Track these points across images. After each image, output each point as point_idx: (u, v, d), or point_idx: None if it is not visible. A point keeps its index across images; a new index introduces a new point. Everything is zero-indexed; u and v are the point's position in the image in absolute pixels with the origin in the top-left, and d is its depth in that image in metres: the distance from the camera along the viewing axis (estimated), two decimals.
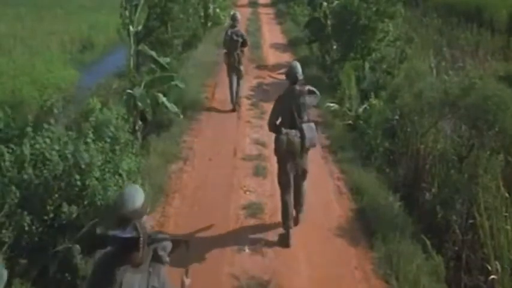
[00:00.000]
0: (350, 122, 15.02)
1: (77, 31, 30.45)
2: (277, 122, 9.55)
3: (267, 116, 13.24)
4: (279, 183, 9.64)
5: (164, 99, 13.61)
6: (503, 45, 26.12)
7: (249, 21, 32.22)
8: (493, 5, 32.24)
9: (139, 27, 13.63)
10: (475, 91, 11.06)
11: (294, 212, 9.67)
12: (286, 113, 9.39)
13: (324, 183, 11.95)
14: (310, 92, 9.53)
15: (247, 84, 19.85)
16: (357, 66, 17.24)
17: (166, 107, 13.89)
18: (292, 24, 30.98)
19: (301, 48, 25.13)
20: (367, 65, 17.43)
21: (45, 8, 38.17)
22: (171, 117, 14.87)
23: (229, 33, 16.49)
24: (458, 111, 11.57)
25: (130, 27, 13.36)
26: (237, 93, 16.96)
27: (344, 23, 17.88)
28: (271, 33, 31.28)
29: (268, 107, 15.70)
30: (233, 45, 16.41)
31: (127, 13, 13.35)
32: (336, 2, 19.96)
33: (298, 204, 9.75)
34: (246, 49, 17.14)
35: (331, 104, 15.86)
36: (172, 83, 14.15)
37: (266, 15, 37.75)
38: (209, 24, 29.42)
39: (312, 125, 9.46)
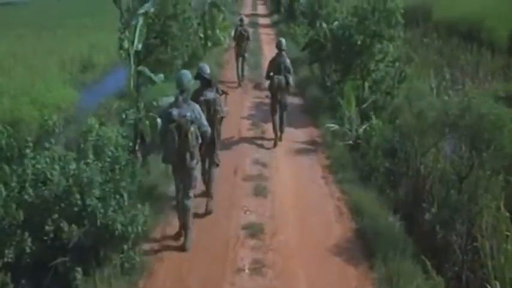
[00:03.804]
0: (350, 142, 15.03)
1: (77, 51, 30.55)
2: (270, 74, 15.61)
3: (267, 136, 14.06)
4: (271, 109, 15.96)
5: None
6: (504, 66, 26.16)
7: (250, 42, 32.35)
8: (493, 26, 32.31)
9: (139, 46, 13.65)
10: (471, 110, 11.07)
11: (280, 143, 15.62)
12: (276, 67, 15.57)
13: (324, 203, 11.95)
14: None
15: (247, 104, 19.97)
16: (357, 87, 17.27)
17: None
18: (293, 45, 30.99)
19: (301, 68, 25.16)
20: (367, 86, 17.45)
21: (46, 28, 38.42)
22: None
23: (238, 29, 23.91)
24: (458, 131, 11.56)
25: (130, 48, 13.40)
26: (242, 72, 24.10)
27: (343, 44, 17.93)
28: (272, 53, 31.23)
29: (268, 126, 15.94)
30: (241, 38, 23.67)
31: (126, 33, 13.39)
32: (336, 23, 19.99)
33: (282, 125, 15.88)
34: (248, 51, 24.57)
35: (332, 125, 15.88)
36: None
37: (267, 35, 37.83)
38: (209, 44, 29.48)
39: (290, 75, 15.59)
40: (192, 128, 9.50)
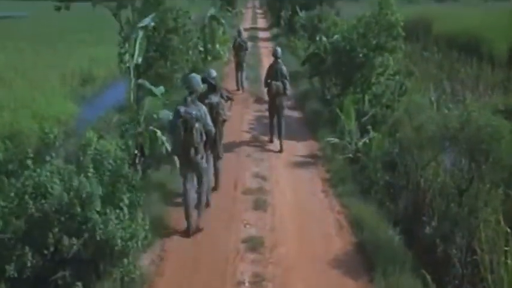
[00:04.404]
0: (350, 155, 15.02)
1: (77, 64, 30.52)
2: (268, 80, 16.57)
3: (267, 149, 13.80)
4: (269, 112, 17.21)
5: (164, 138, 13.62)
6: (503, 79, 26.21)
7: (249, 55, 32.44)
8: (493, 39, 32.38)
9: (139, 60, 13.68)
10: (470, 123, 11.10)
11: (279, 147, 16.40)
12: (273, 74, 16.53)
13: (324, 216, 11.95)
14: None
15: (247, 117, 20.00)
16: (357, 100, 17.31)
17: (166, 147, 13.86)
18: (293, 58, 31.04)
19: (301, 82, 25.23)
20: (367, 99, 17.49)
21: (46, 42, 38.46)
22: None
23: (237, 40, 25.88)
24: (458, 145, 11.58)
25: (130, 61, 13.43)
26: (241, 80, 25.62)
27: (344, 57, 18.00)
28: None
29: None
30: (239, 48, 25.57)
31: (126, 46, 13.43)
32: (336, 36, 20.06)
33: (280, 128, 16.56)
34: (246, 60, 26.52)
35: (331, 138, 15.89)
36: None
37: (266, 49, 37.87)
38: (209, 58, 29.55)
39: (286, 80, 16.51)
40: (196, 125, 10.67)
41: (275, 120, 16.87)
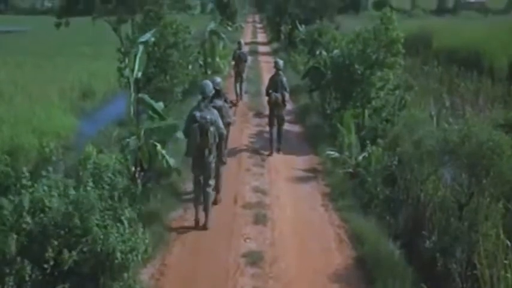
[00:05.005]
0: (350, 169, 15.03)
1: (77, 79, 30.57)
2: (270, 91, 17.18)
3: (267, 164, 14.13)
4: (268, 122, 17.76)
5: (163, 151, 13.64)
6: (504, 93, 26.26)
7: (249, 69, 32.51)
8: (493, 53, 32.46)
9: (139, 74, 13.72)
10: (471, 138, 11.11)
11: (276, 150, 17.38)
12: (274, 85, 17.19)
13: (324, 231, 11.94)
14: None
15: (247, 132, 20.02)
16: (357, 114, 17.35)
17: (166, 161, 13.88)
18: (293, 73, 31.09)
19: (301, 96, 25.27)
20: (366, 113, 17.52)
21: (45, 56, 38.57)
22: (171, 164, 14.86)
23: (237, 52, 26.52)
24: (458, 159, 11.59)
25: (130, 75, 13.46)
26: (241, 90, 26.16)
27: (344, 71, 18.05)
28: None
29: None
30: (240, 60, 26.12)
31: (126, 61, 13.48)
32: (336, 51, 20.12)
33: (279, 137, 17.57)
34: (245, 78, 27.32)
35: (331, 152, 15.90)
36: (174, 134, 14.25)
37: (266, 63, 37.85)
38: (209, 72, 29.64)
39: (286, 92, 17.25)
40: (211, 129, 11.55)
41: (275, 131, 17.53)
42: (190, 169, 12.26)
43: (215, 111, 11.96)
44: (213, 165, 12.03)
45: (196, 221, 11.93)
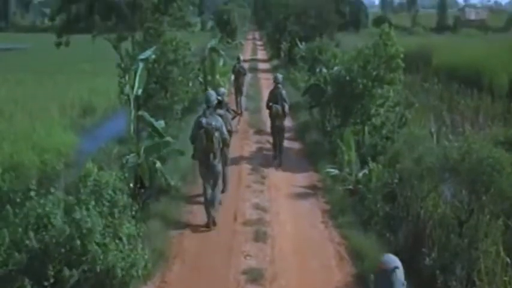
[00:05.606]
0: (350, 186, 15.03)
1: (77, 95, 30.71)
2: (270, 104, 18.11)
3: (267, 181, 14.49)
4: (271, 132, 18.87)
5: (162, 168, 13.69)
6: (504, 111, 26.30)
7: (249, 86, 32.57)
8: (493, 70, 32.53)
9: (140, 91, 13.77)
10: (471, 155, 11.13)
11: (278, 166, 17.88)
12: (274, 98, 18.11)
13: (324, 247, 11.93)
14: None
15: (247, 149, 20.03)
16: (357, 131, 17.37)
17: (164, 177, 13.94)
18: (293, 90, 31.13)
19: (301, 113, 25.30)
20: (366, 130, 17.55)
21: (46, 73, 38.71)
22: (170, 182, 14.87)
23: (236, 66, 28.02)
24: (458, 176, 11.60)
25: (130, 92, 13.51)
26: (240, 104, 27.42)
27: (344, 88, 18.10)
28: None
29: (269, 171, 16.04)
30: (239, 74, 27.69)
31: (126, 77, 13.53)
32: (336, 68, 20.19)
33: (280, 146, 18.50)
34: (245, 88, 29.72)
35: (331, 169, 15.91)
36: (169, 148, 14.40)
37: (266, 80, 37.90)
38: (209, 89, 29.72)
39: (286, 104, 18.13)
40: (216, 134, 12.57)
41: (277, 139, 18.66)
42: (199, 173, 13.28)
43: (219, 118, 12.98)
44: (218, 168, 13.00)
45: (208, 223, 12.73)
